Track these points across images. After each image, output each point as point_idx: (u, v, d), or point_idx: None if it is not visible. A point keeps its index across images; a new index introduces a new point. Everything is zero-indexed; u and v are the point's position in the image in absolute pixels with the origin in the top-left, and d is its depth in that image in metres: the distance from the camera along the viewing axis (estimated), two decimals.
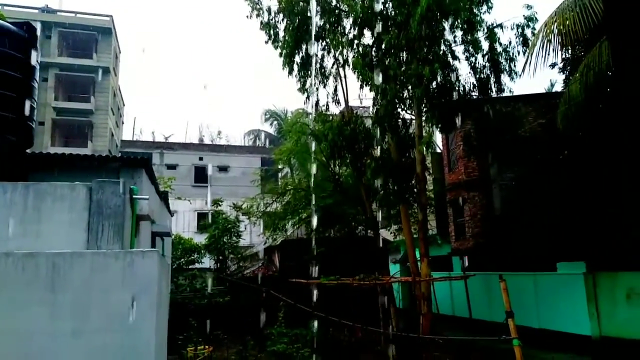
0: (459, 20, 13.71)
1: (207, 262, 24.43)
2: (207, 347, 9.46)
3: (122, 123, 45.37)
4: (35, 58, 7.13)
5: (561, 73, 17.51)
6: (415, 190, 16.39)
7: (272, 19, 16.94)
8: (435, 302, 14.10)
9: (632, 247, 13.91)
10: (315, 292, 15.24)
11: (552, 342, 13.84)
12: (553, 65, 17.45)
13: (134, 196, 6.43)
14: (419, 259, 15.78)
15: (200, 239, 24.99)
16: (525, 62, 13.28)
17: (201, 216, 33.71)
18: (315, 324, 13.37)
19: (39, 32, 7.26)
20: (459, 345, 13.33)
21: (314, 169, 19.58)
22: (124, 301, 4.13)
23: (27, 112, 6.86)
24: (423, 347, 11.60)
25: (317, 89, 17.98)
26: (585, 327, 13.29)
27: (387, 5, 14.41)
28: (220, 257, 23.15)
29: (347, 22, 15.82)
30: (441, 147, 22.65)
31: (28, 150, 7.14)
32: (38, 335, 3.90)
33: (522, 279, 15.84)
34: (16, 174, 6.45)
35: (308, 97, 17.74)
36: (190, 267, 23.37)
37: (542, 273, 16.04)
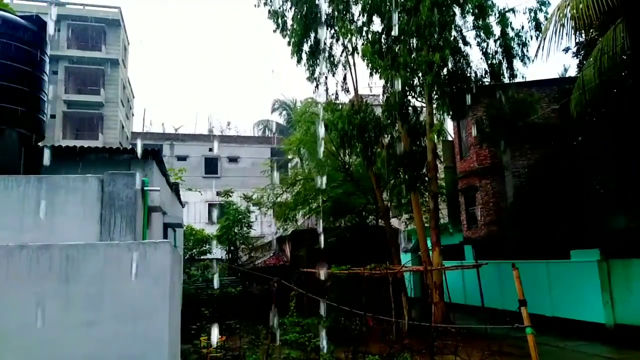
0: (469, 5, 13.49)
1: (219, 252, 24.60)
2: (220, 336, 9.53)
3: (132, 115, 45.59)
4: (45, 51, 7.13)
5: (575, 57, 17.19)
6: (426, 178, 16.28)
7: (280, 8, 16.82)
8: (447, 291, 14.06)
9: None
10: (326, 281, 15.29)
11: (566, 330, 13.75)
12: (567, 50, 17.14)
13: (145, 188, 6.43)
14: (430, 248, 15.73)
15: (212, 230, 25.16)
16: (538, 47, 13.05)
17: (212, 207, 33.91)
18: (327, 313, 13.41)
19: (47, 25, 7.27)
20: (472, 334, 13.31)
21: (321, 153, 19.46)
22: (137, 292, 4.14)
23: (38, 105, 6.88)
24: (435, 336, 11.58)
25: (326, 77, 17.88)
26: (599, 314, 13.17)
27: None
28: (232, 248, 23.29)
29: (356, 9, 15.66)
30: (452, 135, 22.45)
31: (40, 144, 7.17)
32: (51, 326, 3.93)
33: (535, 266, 15.71)
34: (29, 167, 6.48)
35: (317, 86, 17.66)
36: (202, 257, 23.56)
37: (555, 261, 15.89)
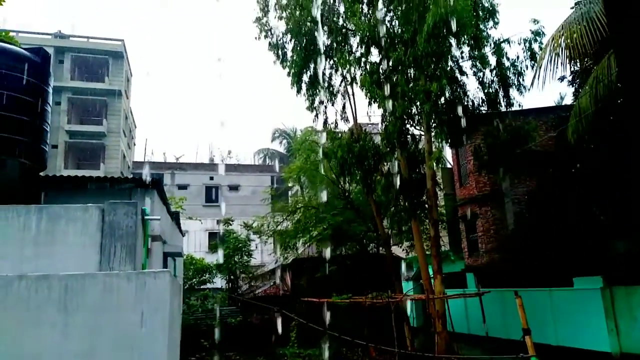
0: (465, 37, 13.78)
1: (219, 282, 24.39)
2: None
3: (134, 144, 45.93)
4: (48, 82, 7.27)
5: (570, 86, 17.45)
6: (426, 206, 16.29)
7: (279, 40, 17.18)
8: (450, 319, 13.88)
9: None
10: (327, 311, 15.11)
11: (571, 359, 13.50)
12: (562, 79, 17.40)
13: (146, 217, 6.45)
14: (432, 276, 15.60)
15: (212, 259, 25.01)
16: (534, 76, 13.29)
17: (212, 236, 33.78)
18: (329, 343, 13.22)
19: (52, 57, 7.41)
20: None
21: (323, 188, 19.60)
22: (136, 322, 4.11)
23: (40, 135, 6.97)
24: None
25: (326, 107, 18.10)
26: (604, 343, 12.96)
27: (393, 23, 14.55)
28: (232, 277, 23.13)
29: (354, 41, 15.99)
30: (451, 162, 22.57)
31: (41, 173, 7.23)
32: (50, 357, 3.89)
33: (538, 294, 15.55)
34: (30, 197, 6.52)
35: (317, 115, 17.85)
36: (202, 287, 23.35)
37: (558, 289, 15.74)
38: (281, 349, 14.48)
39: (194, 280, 23.81)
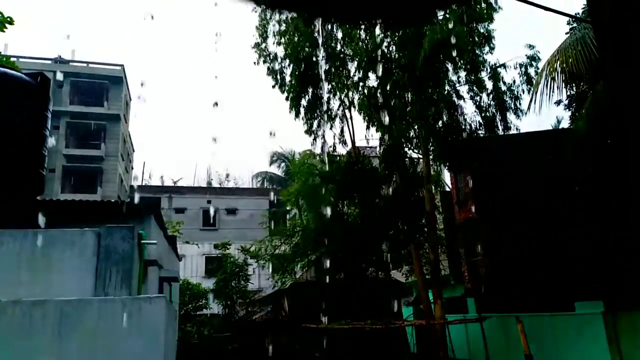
0: (462, 61, 13.96)
1: (216, 307, 24.03)
2: None
3: (132, 168, 45.95)
4: (47, 107, 7.29)
5: (567, 110, 17.61)
6: (425, 229, 16.22)
7: (278, 65, 17.39)
8: (450, 345, 13.66)
9: None
10: (326, 337, 14.86)
11: None
12: (558, 103, 17.56)
13: (143, 241, 6.38)
14: (432, 300, 15.42)
15: (209, 284, 24.69)
16: (530, 100, 13.42)
17: (209, 260, 33.45)
18: None
19: (51, 82, 7.45)
20: None
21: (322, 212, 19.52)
22: (131, 348, 4.01)
23: (38, 160, 6.95)
24: None
25: (324, 130, 18.20)
26: None
27: (390, 49, 14.76)
28: (229, 302, 22.78)
29: (352, 66, 16.20)
30: (450, 186, 22.56)
31: (38, 197, 7.18)
32: None
33: (540, 320, 15.33)
34: (27, 221, 6.45)
35: (315, 139, 17.94)
36: (198, 312, 22.99)
37: (560, 313, 15.53)
38: None
39: (190, 305, 23.43)
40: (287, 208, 28.74)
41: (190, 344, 18.25)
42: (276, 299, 22.82)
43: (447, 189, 22.77)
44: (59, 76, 35.97)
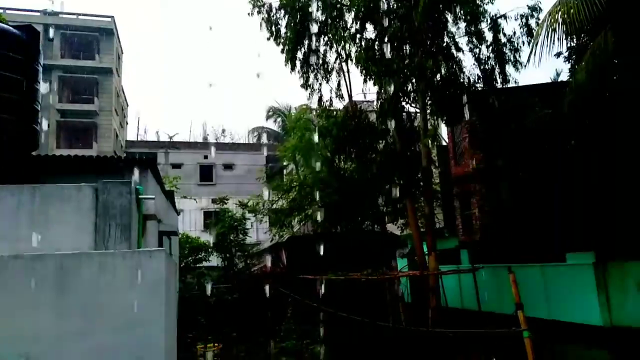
0: (461, 12, 13.60)
1: (215, 260, 24.51)
2: (216, 344, 9.46)
3: (127, 123, 45.50)
4: (38, 60, 7.13)
5: (567, 62, 17.30)
6: (421, 184, 16.33)
7: (273, 16, 16.89)
8: (443, 295, 14.07)
9: None
10: (323, 287, 15.27)
11: (563, 332, 13.76)
12: (558, 55, 17.22)
13: (140, 196, 6.42)
14: (426, 252, 15.75)
15: (208, 238, 25.06)
16: (530, 52, 13.13)
17: (207, 214, 33.79)
18: (324, 318, 13.40)
19: (41, 35, 7.25)
20: (469, 338, 13.31)
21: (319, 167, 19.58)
22: (132, 301, 4.11)
23: (31, 114, 6.87)
24: (432, 340, 11.57)
25: (320, 84, 17.94)
26: (595, 317, 13.20)
27: None
28: (228, 255, 23.22)
29: (349, 17, 15.75)
30: (447, 140, 22.53)
31: (34, 153, 7.15)
32: (45, 336, 3.90)
33: (531, 270, 15.74)
34: (23, 176, 6.46)
35: (311, 93, 17.70)
36: (197, 265, 23.47)
37: (551, 264, 15.93)
38: (277, 325, 14.67)
39: (190, 258, 23.89)
40: (284, 163, 28.78)
41: (191, 294, 18.75)
42: (274, 252, 23.25)
43: (444, 144, 22.77)
44: (50, 30, 34.95)
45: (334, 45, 16.52)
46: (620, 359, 11.05)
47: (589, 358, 11.14)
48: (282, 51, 16.89)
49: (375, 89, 15.74)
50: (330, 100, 18.30)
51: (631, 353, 11.25)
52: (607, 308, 13.09)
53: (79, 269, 4.06)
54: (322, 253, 17.90)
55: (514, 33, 14.44)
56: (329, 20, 16.03)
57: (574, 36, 13.57)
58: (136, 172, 7.23)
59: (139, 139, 44.92)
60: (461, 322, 16.65)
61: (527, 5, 14.08)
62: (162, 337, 4.14)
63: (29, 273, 3.96)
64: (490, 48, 14.57)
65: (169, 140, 44.04)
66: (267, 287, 17.92)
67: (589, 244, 14.49)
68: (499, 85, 14.99)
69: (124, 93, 43.13)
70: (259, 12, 16.93)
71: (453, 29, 14.74)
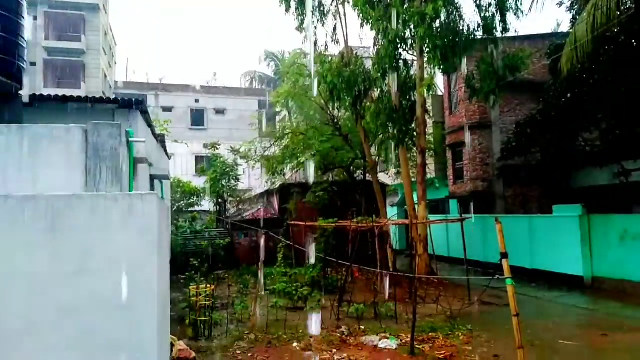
0: None
1: (207, 205, 24.69)
2: (209, 285, 9.70)
3: (115, 64, 44.24)
4: None
5: (569, 12, 16.88)
6: (415, 133, 16.27)
7: None
8: (431, 243, 14.39)
9: (626, 190, 14.05)
10: (313, 234, 15.52)
11: (545, 281, 14.25)
12: (560, 4, 16.79)
13: (130, 139, 6.33)
14: (416, 202, 15.94)
15: (199, 182, 25.11)
16: (533, 0, 12.78)
17: (199, 159, 33.68)
18: (314, 264, 13.71)
19: None
20: (454, 284, 13.75)
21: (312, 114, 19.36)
22: (124, 242, 4.14)
23: (16, 51, 6.60)
24: (418, 285, 11.94)
25: (316, 27, 17.42)
26: (578, 267, 13.64)
27: None
28: (220, 200, 23.38)
29: None
30: (442, 90, 22.28)
31: (20, 92, 6.95)
32: (40, 276, 3.94)
33: (518, 221, 16.08)
34: (9, 116, 6.30)
35: (306, 37, 17.23)
36: (190, 209, 23.66)
37: (537, 215, 16.25)
38: (268, 269, 15.00)
39: (182, 202, 24.04)
40: (277, 109, 28.42)
41: (184, 237, 19.02)
42: (266, 199, 23.43)
43: (439, 94, 22.53)
44: None
45: None
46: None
47: (570, 306, 11.58)
48: None
49: (372, 34, 15.32)
50: (326, 44, 17.87)
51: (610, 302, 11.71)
52: (590, 259, 13.52)
53: (70, 210, 4.04)
54: (313, 201, 18.07)
55: None
56: None
57: None
58: (126, 113, 7.09)
59: (128, 80, 43.79)
60: (447, 269, 17.18)
61: None
62: (155, 278, 4.21)
63: (21, 213, 3.94)
64: None
65: (159, 82, 42.98)
66: (258, 232, 18.19)
67: (577, 197, 14.74)
68: (499, 34, 14.64)
69: (112, 31, 41.65)
70: None
71: None
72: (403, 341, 8.24)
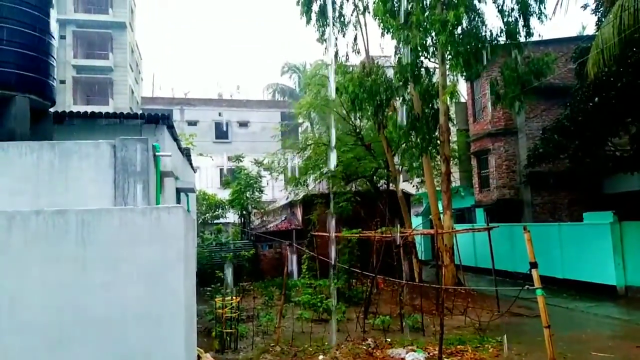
0: None
1: (231, 217, 24.90)
2: (234, 297, 9.75)
3: (141, 79, 45.32)
4: (51, 14, 7.02)
5: (593, 14, 16.54)
6: (438, 142, 16.10)
7: None
8: (458, 253, 14.15)
9: None
10: (337, 245, 15.45)
11: (577, 291, 13.83)
12: (585, 7, 16.48)
13: (157, 153, 6.45)
14: (441, 211, 15.72)
15: (224, 195, 25.37)
16: (556, 4, 12.55)
17: (223, 172, 34.05)
18: (338, 275, 13.63)
19: None
20: (482, 295, 13.46)
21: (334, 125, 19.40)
22: (152, 255, 4.21)
23: (47, 70, 6.83)
24: (445, 297, 11.73)
25: (337, 38, 17.52)
26: (610, 276, 13.21)
27: None
28: (244, 212, 23.54)
29: None
30: (466, 97, 22.05)
31: (51, 109, 7.17)
32: (69, 288, 4.03)
33: (547, 229, 15.69)
34: (41, 133, 6.51)
35: (327, 48, 17.33)
36: (215, 222, 23.90)
37: (567, 223, 15.84)
38: (293, 280, 14.98)
39: (207, 215, 24.33)
40: (299, 121, 28.56)
41: (210, 250, 19.19)
42: (290, 210, 23.48)
43: (463, 101, 22.29)
44: None
45: None
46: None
47: (603, 316, 11.20)
48: (298, 3, 16.47)
49: (393, 42, 15.30)
50: (347, 55, 17.90)
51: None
52: (623, 268, 13.08)
53: (100, 224, 4.13)
54: (337, 211, 18.02)
55: None
56: None
57: None
58: (153, 128, 7.24)
59: (154, 96, 44.74)
60: (475, 280, 16.84)
61: None
62: (182, 290, 4.25)
63: (52, 227, 4.05)
64: None
65: (184, 97, 43.77)
66: (282, 244, 18.23)
67: (609, 204, 14.32)
68: (522, 39, 14.44)
69: (138, 48, 42.76)
70: None
71: None
72: (431, 354, 8.09)
